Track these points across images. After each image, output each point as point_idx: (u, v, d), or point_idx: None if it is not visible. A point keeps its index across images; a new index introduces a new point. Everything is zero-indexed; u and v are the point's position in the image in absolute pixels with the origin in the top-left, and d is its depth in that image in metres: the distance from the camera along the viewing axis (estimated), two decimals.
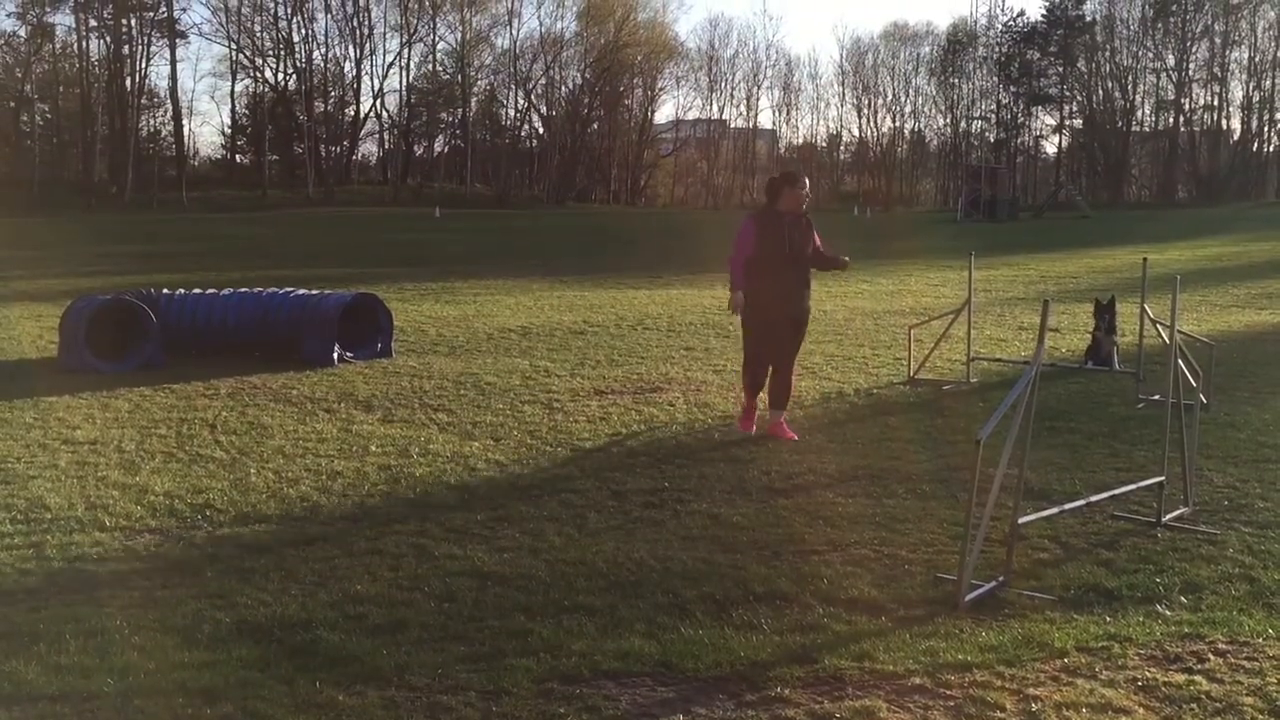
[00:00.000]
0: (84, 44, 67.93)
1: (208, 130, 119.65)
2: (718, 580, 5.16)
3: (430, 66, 79.43)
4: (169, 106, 71.39)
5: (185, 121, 73.50)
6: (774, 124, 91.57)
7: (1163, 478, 6.04)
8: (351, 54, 76.87)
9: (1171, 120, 78.71)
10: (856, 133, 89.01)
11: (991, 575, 5.14)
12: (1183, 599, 4.95)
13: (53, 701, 3.94)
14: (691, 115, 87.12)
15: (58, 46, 68.47)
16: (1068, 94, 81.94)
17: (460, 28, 76.64)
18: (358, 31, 75.41)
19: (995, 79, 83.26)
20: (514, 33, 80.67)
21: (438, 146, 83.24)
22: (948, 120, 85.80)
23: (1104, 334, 10.68)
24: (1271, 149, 78.75)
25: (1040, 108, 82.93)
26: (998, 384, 10.18)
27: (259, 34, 73.21)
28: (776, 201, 8.15)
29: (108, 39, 68.31)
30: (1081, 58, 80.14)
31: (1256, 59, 76.44)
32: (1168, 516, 6.03)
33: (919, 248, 28.75)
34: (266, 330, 11.52)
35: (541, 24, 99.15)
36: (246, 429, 8.32)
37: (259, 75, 74.25)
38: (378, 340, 11.75)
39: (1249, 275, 21.72)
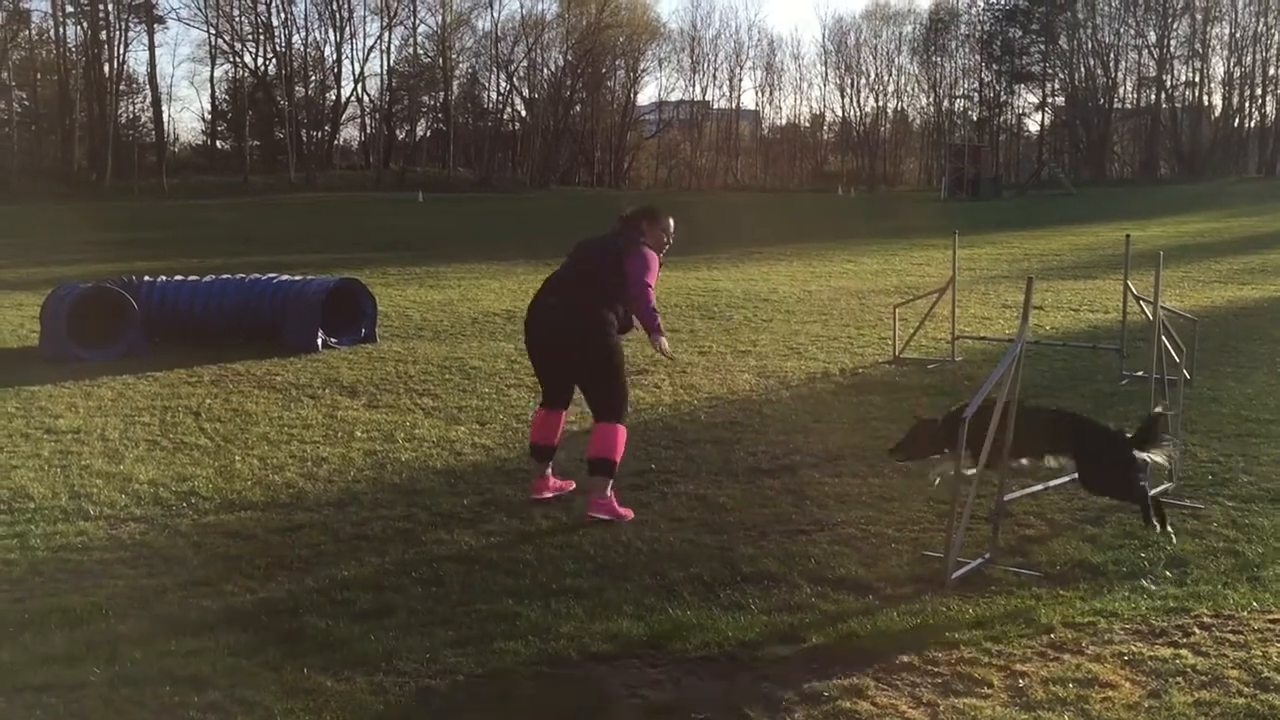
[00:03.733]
0: (61, 30, 67.27)
1: (187, 116, 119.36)
2: (705, 561, 5.16)
3: (411, 50, 78.96)
4: (148, 92, 70.83)
5: (165, 107, 72.84)
6: (757, 105, 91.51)
7: None
8: (331, 38, 76.36)
9: (1153, 97, 78.77)
10: (839, 112, 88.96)
11: (978, 552, 5.16)
12: (1168, 573, 4.98)
13: (39, 692, 3.92)
14: (674, 97, 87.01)
15: (34, 33, 67.83)
16: (1050, 72, 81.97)
17: (440, 10, 76.13)
18: (337, 15, 74.85)
19: (978, 57, 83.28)
20: (495, 15, 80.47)
21: (420, 130, 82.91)
22: (930, 99, 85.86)
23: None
24: (1253, 125, 78.95)
25: (1023, 86, 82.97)
26: (982, 362, 10.20)
27: (237, 18, 72.67)
28: (651, 237, 6.14)
29: (85, 24, 67.68)
30: (1063, 35, 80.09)
31: (1237, 35, 76.54)
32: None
33: (903, 227, 28.77)
34: (250, 317, 11.46)
35: (522, 6, 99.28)
36: (231, 416, 8.28)
37: (238, 60, 73.71)
38: (361, 326, 11.71)
39: (1231, 250, 21.81)
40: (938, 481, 5.71)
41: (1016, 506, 5.71)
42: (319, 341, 11.10)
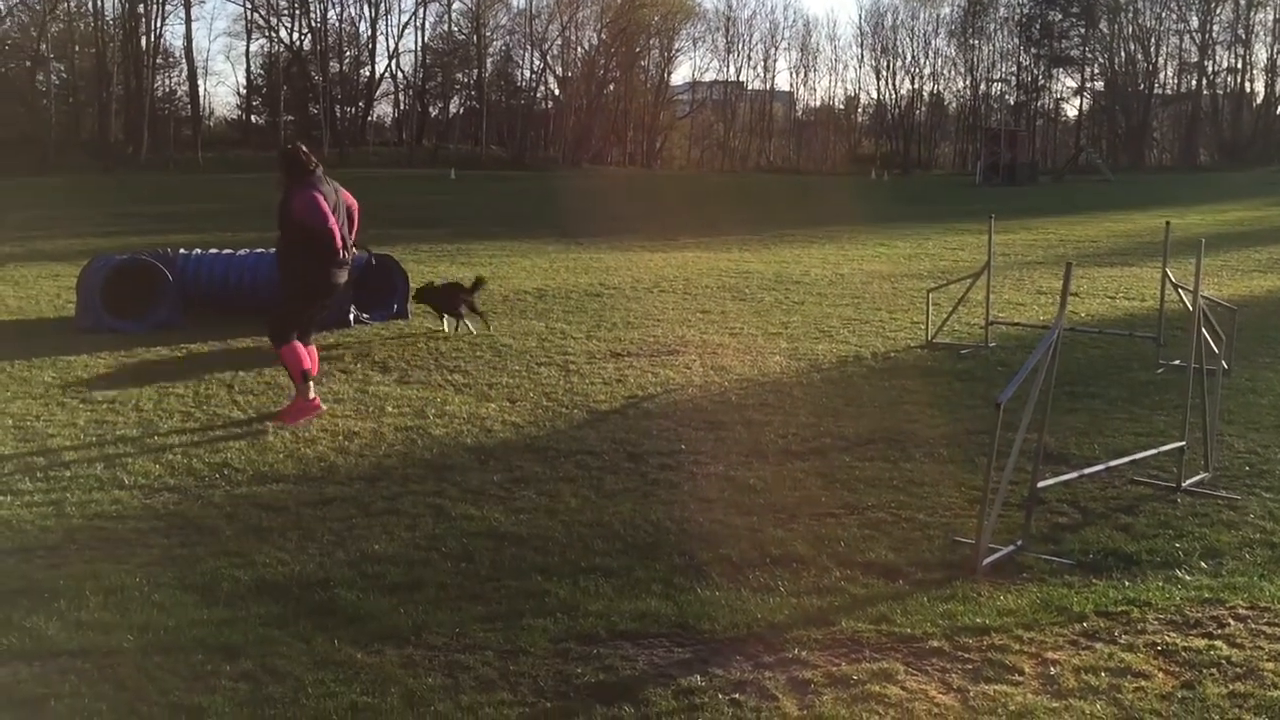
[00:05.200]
0: (99, 3, 67.62)
1: (223, 90, 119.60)
2: (734, 542, 5.15)
3: (445, 26, 78.87)
4: (184, 66, 71.06)
5: (200, 81, 73.27)
6: (791, 86, 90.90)
7: (1183, 443, 6.00)
8: (367, 13, 76.43)
9: (1194, 83, 77.69)
10: (874, 95, 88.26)
11: (1010, 539, 5.13)
12: (1203, 564, 4.93)
13: (74, 657, 3.97)
14: (708, 77, 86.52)
15: (73, 5, 68.15)
16: (1089, 56, 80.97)
17: None
18: None
19: (1016, 40, 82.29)
20: None
21: (453, 108, 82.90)
22: (967, 83, 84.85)
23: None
24: None
25: (1061, 70, 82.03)
26: (1016, 348, 10.11)
27: None
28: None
29: None
30: (1104, 19, 79.03)
31: None
32: (1188, 482, 5.99)
33: (937, 211, 28.55)
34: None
35: None
36: (263, 389, 8.33)
37: (274, 35, 73.87)
38: (393, 302, 11.75)
39: (1272, 240, 21.49)
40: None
41: (1049, 494, 5.66)
42: (351, 317, 11.15)
